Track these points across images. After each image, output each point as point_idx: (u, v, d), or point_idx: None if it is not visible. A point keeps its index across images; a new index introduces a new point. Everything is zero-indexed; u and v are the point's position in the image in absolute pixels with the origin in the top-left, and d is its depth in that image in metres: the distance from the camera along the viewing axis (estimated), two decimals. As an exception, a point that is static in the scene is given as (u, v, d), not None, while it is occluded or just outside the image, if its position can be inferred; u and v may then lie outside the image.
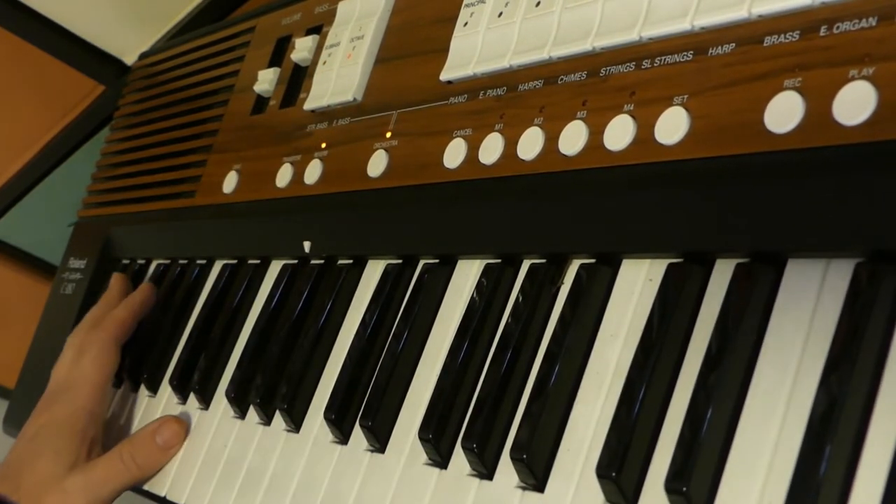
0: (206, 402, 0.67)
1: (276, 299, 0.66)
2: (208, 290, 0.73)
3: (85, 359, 0.71)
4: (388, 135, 0.61)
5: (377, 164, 0.60)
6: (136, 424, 0.73)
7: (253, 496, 0.58)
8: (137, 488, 0.68)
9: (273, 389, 0.61)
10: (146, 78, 0.94)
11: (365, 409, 0.54)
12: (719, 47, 0.44)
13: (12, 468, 0.66)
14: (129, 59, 1.04)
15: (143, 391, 0.74)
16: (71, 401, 0.69)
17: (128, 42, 1.04)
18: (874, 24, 0.39)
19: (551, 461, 0.44)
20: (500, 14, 0.54)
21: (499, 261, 0.52)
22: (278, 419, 0.60)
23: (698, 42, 0.45)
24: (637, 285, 0.45)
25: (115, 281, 0.80)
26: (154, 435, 0.66)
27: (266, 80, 0.74)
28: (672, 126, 0.44)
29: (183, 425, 0.67)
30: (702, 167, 0.43)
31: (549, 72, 0.52)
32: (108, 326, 0.73)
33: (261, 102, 0.75)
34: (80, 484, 0.64)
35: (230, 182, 0.73)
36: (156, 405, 0.72)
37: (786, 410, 0.37)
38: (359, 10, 0.67)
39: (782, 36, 0.42)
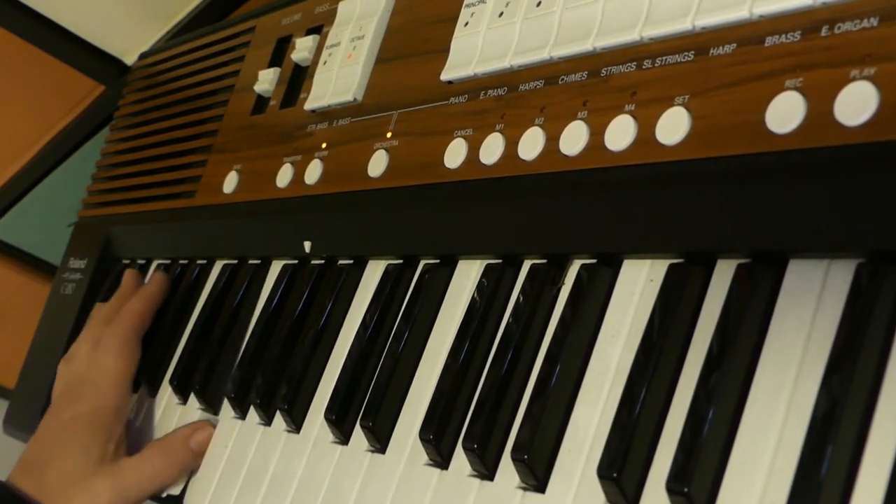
0: (206, 402, 0.67)
1: (276, 299, 0.66)
2: (209, 290, 0.73)
3: (106, 354, 0.69)
4: (389, 135, 0.61)
5: (378, 164, 0.60)
6: (136, 425, 0.73)
7: (253, 496, 0.58)
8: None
9: (273, 390, 0.61)
10: (146, 78, 0.94)
11: (365, 410, 0.54)
12: (720, 47, 0.44)
13: (36, 463, 0.65)
14: (129, 59, 1.04)
15: (143, 391, 0.74)
16: (96, 397, 0.67)
17: (128, 42, 1.04)
18: (875, 24, 0.39)
19: (552, 462, 0.44)
20: (501, 14, 0.54)
21: (499, 261, 0.52)
22: (279, 419, 0.60)
23: (699, 42, 0.45)
24: (638, 286, 0.45)
25: (129, 277, 0.79)
26: (188, 440, 0.65)
27: (266, 80, 0.74)
28: (673, 126, 0.44)
29: (211, 430, 0.66)
30: (703, 167, 0.43)
31: (549, 72, 0.52)
32: (126, 319, 0.72)
33: (261, 102, 0.75)
34: (110, 485, 0.63)
35: (230, 182, 0.73)
36: (156, 405, 0.72)
37: (787, 411, 0.37)
38: (359, 11, 0.67)
39: (783, 36, 0.42)
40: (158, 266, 0.81)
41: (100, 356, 0.70)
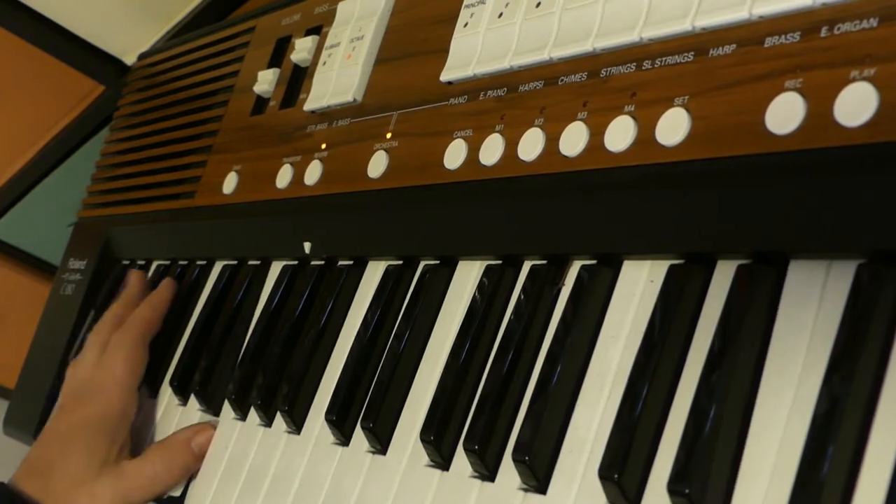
0: (206, 403, 0.67)
1: (276, 300, 0.66)
2: (208, 290, 0.73)
3: (114, 359, 0.70)
4: (389, 135, 0.61)
5: (377, 164, 0.60)
6: (136, 426, 0.73)
7: (254, 498, 0.58)
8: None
9: (274, 391, 0.61)
10: (146, 78, 0.94)
11: (366, 411, 0.54)
12: (720, 48, 0.44)
13: (41, 464, 0.65)
14: (129, 59, 1.04)
15: (143, 393, 0.74)
16: (103, 401, 0.68)
17: (128, 42, 1.04)
18: (875, 24, 0.39)
19: (553, 462, 0.44)
20: (501, 15, 0.54)
21: (500, 262, 0.52)
22: (279, 420, 0.60)
23: (699, 43, 0.45)
24: (638, 286, 0.45)
25: (135, 278, 0.79)
26: (189, 442, 0.65)
27: (266, 81, 0.74)
28: (673, 127, 0.44)
29: (212, 432, 0.66)
30: (703, 168, 0.43)
31: (549, 73, 0.52)
32: (135, 326, 0.72)
33: (260, 103, 0.75)
34: (111, 488, 0.63)
35: (230, 183, 0.73)
36: (156, 407, 0.72)
37: (789, 411, 0.37)
38: (359, 11, 0.67)
39: (783, 37, 0.42)
40: (158, 267, 0.81)
41: (107, 361, 0.70)
